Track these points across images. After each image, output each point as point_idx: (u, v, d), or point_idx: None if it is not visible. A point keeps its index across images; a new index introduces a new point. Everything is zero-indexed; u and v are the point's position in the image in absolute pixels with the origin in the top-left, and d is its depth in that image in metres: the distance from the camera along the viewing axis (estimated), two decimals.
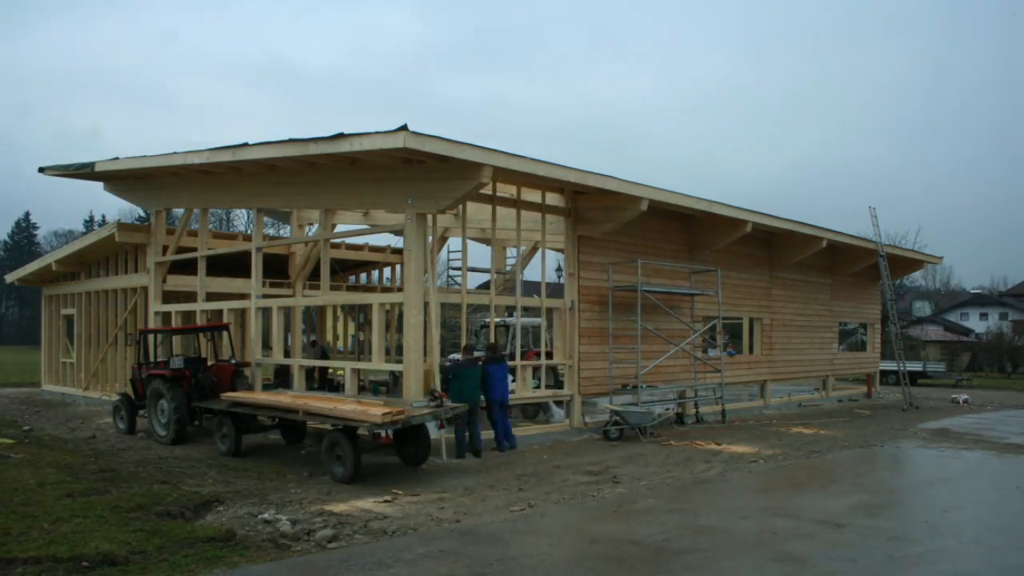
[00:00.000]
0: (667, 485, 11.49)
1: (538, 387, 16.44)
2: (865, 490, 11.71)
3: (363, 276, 27.79)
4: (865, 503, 10.57)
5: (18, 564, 7.08)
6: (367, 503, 10.01)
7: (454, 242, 25.72)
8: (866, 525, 9.15)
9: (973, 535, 9.06)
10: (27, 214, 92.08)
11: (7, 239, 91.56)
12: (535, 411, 18.51)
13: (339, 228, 21.34)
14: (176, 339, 18.31)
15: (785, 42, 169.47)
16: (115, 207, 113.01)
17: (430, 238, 15.20)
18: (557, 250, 20.08)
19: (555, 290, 22.59)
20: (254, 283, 16.91)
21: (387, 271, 27.70)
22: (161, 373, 15.54)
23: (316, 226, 20.66)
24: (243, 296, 19.44)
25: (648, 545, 8.27)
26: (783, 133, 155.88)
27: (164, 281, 20.22)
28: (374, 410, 11.28)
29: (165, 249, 20.01)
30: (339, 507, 9.71)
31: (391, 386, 24.45)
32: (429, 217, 14.41)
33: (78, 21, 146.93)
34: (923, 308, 65.99)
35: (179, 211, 20.88)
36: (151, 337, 17.21)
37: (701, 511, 10.06)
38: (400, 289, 15.13)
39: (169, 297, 20.15)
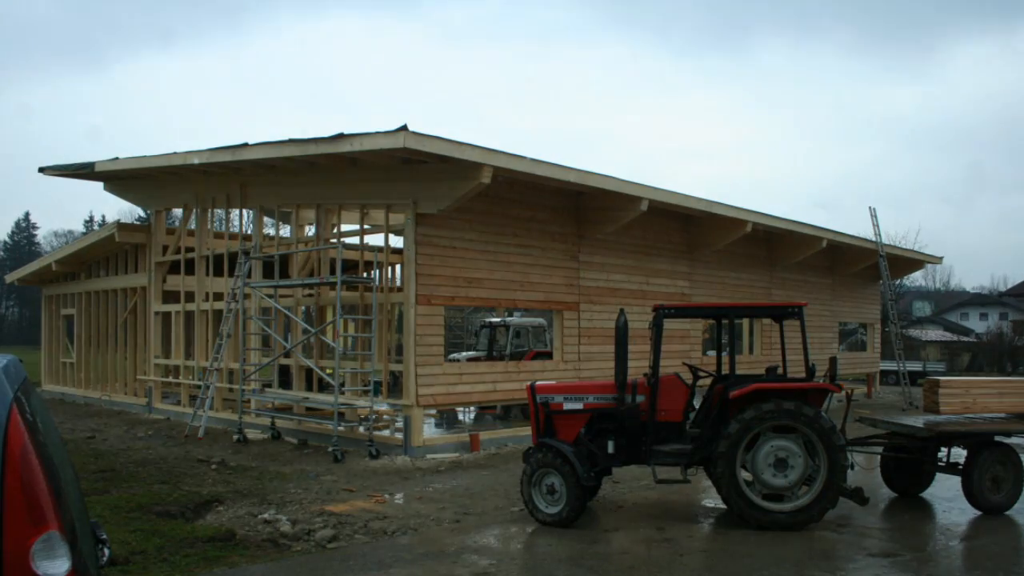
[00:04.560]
0: (665, 485, 11.45)
1: None
2: (865, 490, 11.67)
3: (363, 276, 27.77)
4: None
5: None
6: (367, 503, 10.01)
7: None
8: (866, 525, 9.16)
9: (972, 534, 9.07)
10: (27, 214, 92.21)
11: (7, 239, 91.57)
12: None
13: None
14: None
15: (774, 38, 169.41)
16: (115, 207, 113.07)
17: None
18: None
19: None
20: (254, 283, 16.89)
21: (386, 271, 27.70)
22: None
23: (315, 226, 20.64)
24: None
25: (650, 544, 8.27)
26: (782, 132, 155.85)
27: (164, 281, 20.23)
28: None
29: (165, 249, 20.02)
30: (339, 507, 9.71)
31: (391, 387, 24.44)
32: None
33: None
34: (923, 308, 65.99)
35: (179, 211, 20.92)
36: None
37: (701, 512, 10.07)
38: (400, 289, 15.10)
39: (169, 297, 20.16)
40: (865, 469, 10.33)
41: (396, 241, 15.71)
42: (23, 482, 2.47)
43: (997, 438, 9.98)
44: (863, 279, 28.11)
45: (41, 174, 20.73)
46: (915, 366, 37.21)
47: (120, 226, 21.51)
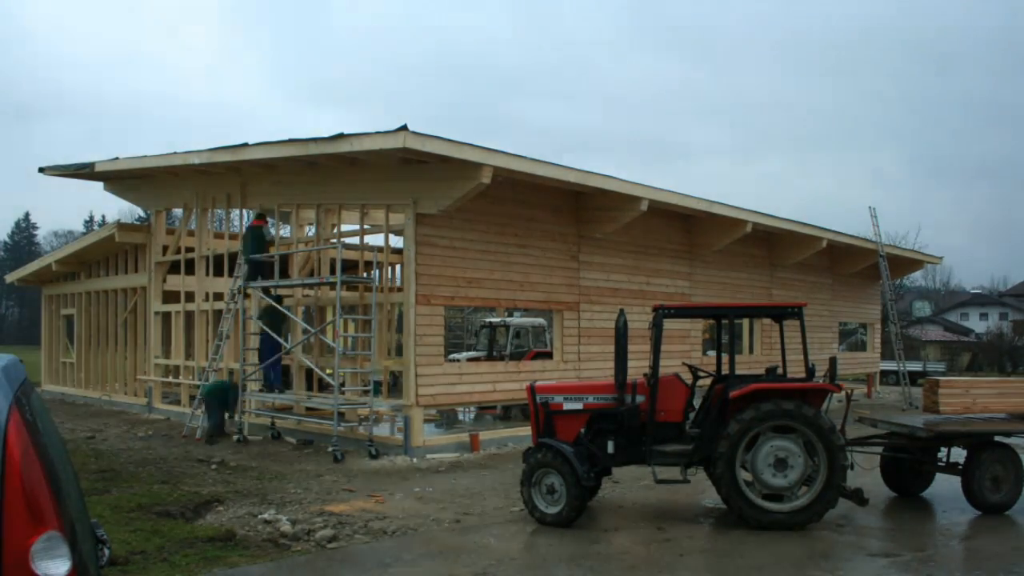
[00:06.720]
0: (665, 485, 11.46)
1: None
2: (865, 490, 11.68)
3: (363, 276, 27.77)
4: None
5: None
6: (367, 503, 10.01)
7: None
8: (866, 525, 9.16)
9: (972, 534, 9.07)
10: (27, 214, 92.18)
11: (7, 239, 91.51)
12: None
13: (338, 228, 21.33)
14: None
15: (755, 46, 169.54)
16: (115, 207, 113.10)
17: None
18: None
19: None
20: (254, 283, 16.88)
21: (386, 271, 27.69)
22: None
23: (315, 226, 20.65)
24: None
25: (650, 544, 8.27)
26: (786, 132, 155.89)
27: (164, 281, 20.23)
28: None
29: (165, 249, 20.02)
30: (339, 507, 9.71)
31: (391, 387, 24.45)
32: None
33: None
34: (923, 308, 65.94)
35: (179, 211, 20.94)
36: None
37: (702, 512, 10.07)
38: (400, 289, 15.11)
39: (169, 297, 20.17)
40: (865, 469, 10.33)
41: (396, 241, 15.73)
42: (23, 482, 2.47)
43: (997, 438, 9.99)
44: (863, 279, 28.11)
45: (41, 174, 20.75)
46: (915, 366, 37.20)
47: (120, 226, 21.52)
